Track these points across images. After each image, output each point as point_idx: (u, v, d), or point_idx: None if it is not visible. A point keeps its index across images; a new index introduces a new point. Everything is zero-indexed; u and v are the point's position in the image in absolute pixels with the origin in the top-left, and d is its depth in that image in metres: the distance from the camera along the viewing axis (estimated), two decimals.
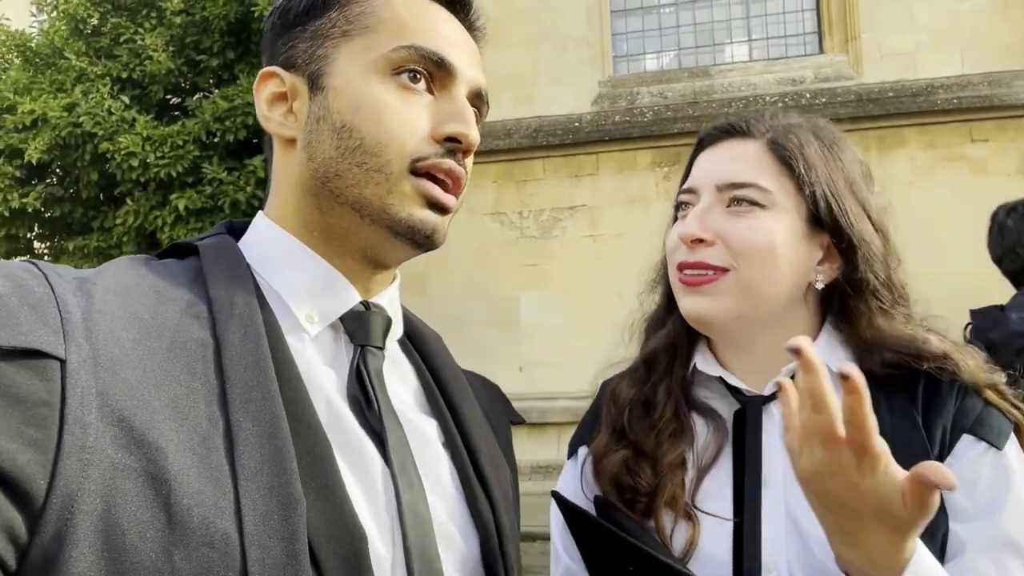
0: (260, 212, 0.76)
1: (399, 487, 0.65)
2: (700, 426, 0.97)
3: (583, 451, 1.04)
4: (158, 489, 0.52)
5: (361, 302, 0.74)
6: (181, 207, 8.91)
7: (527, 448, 7.41)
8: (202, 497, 0.53)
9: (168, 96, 10.31)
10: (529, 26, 7.75)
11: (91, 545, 0.50)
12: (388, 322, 0.76)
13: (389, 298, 0.78)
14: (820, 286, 0.96)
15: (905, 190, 6.86)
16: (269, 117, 0.73)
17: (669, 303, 1.04)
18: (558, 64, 7.74)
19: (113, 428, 0.53)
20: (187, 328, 0.61)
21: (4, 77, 9.79)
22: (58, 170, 10.03)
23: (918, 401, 0.88)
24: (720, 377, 0.97)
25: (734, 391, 0.96)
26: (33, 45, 10.04)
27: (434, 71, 0.71)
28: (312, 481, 0.59)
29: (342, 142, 0.69)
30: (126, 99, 9.23)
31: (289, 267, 0.71)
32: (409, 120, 0.69)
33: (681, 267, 0.96)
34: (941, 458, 0.84)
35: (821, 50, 7.50)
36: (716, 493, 0.92)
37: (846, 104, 6.96)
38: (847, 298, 0.94)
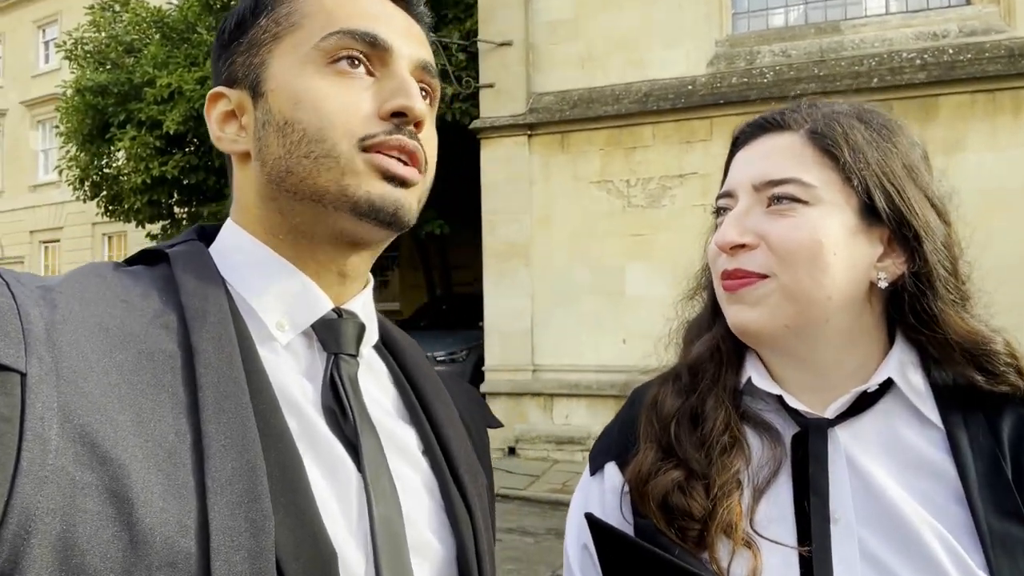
0: (229, 219, 0.75)
1: (371, 499, 0.64)
2: (754, 440, 0.86)
3: (611, 469, 0.94)
4: (120, 507, 0.51)
5: (333, 309, 0.72)
6: None
7: None
8: (166, 515, 0.52)
9: None
10: None
11: (48, 567, 0.49)
12: (361, 328, 0.74)
13: (362, 303, 0.76)
14: (884, 284, 0.84)
15: None
16: (222, 137, 0.73)
17: (715, 308, 0.94)
18: (672, 23, 7.42)
19: (75, 444, 0.51)
20: (155, 338, 0.59)
21: (144, 52, 10.50)
22: (194, 140, 10.72)
23: (1003, 434, 0.80)
24: (779, 396, 0.87)
25: (792, 412, 0.86)
26: (169, 21, 10.68)
27: (369, 52, 0.69)
28: (282, 496, 0.58)
29: (286, 138, 0.67)
30: None
31: (257, 274, 0.70)
32: (349, 102, 0.68)
33: (723, 276, 0.87)
34: None
35: (967, 1, 6.77)
36: (776, 517, 0.82)
37: (995, 60, 6.28)
38: (915, 295, 0.83)
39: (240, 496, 0.55)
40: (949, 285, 0.84)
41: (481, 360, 8.36)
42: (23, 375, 0.51)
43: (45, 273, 20.93)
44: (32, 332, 0.53)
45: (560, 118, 7.68)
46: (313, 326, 0.70)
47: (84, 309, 0.58)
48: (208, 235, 0.75)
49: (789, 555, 0.80)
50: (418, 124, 0.70)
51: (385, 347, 0.82)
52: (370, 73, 0.69)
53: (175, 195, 11.38)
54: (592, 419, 7.58)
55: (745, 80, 7.14)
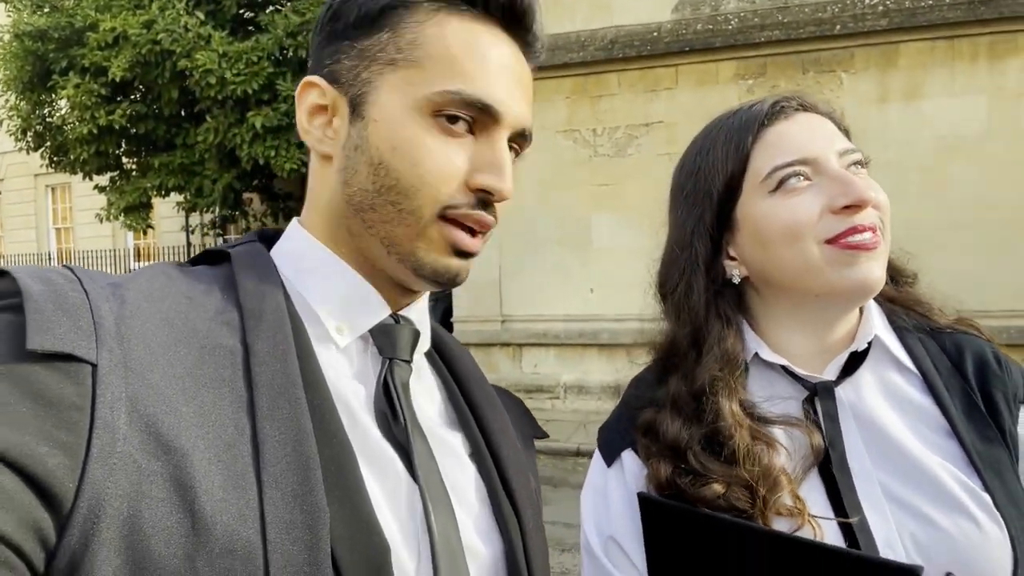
0: (295, 220, 0.77)
1: (427, 503, 0.66)
2: (782, 435, 0.89)
3: (629, 458, 0.94)
4: (183, 495, 0.53)
5: (391, 315, 0.74)
6: (258, 125, 9.03)
7: (597, 368, 7.46)
8: (226, 504, 0.54)
9: (241, 10, 10.31)
10: None
11: (116, 549, 0.51)
12: (416, 335, 0.75)
13: (419, 311, 0.78)
14: None
15: (1015, 103, 6.29)
16: (309, 130, 0.73)
17: (709, 312, 0.94)
18: None
19: (141, 433, 0.53)
20: (217, 335, 0.62)
21: None
22: (140, 87, 10.27)
23: (968, 373, 0.91)
24: (783, 367, 0.92)
25: (797, 379, 0.92)
26: None
27: (477, 115, 0.69)
28: (336, 490, 0.60)
29: (378, 179, 0.68)
30: (201, 15, 9.27)
31: (321, 278, 0.72)
32: (444, 165, 0.68)
33: (849, 233, 0.86)
34: (1013, 431, 0.87)
35: None
36: (809, 496, 0.86)
37: (954, 7, 6.35)
38: None
39: (295, 489, 0.57)
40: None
41: (449, 311, 8.36)
42: (94, 366, 0.54)
43: None
44: (103, 325, 0.56)
45: None
46: (370, 331, 0.72)
47: (151, 305, 0.60)
48: (269, 238, 0.77)
49: (832, 528, 0.84)
50: (499, 201, 0.71)
51: (438, 353, 0.83)
52: (471, 131, 0.69)
53: (123, 145, 10.95)
54: (560, 367, 7.69)
55: (710, 27, 7.10)
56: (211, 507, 0.53)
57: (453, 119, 0.68)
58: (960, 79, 6.48)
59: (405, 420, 0.68)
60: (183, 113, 10.46)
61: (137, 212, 11.32)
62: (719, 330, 0.93)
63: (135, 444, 0.53)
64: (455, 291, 8.07)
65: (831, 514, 0.84)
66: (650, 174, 7.11)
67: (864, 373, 0.92)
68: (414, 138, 0.67)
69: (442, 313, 8.98)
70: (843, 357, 0.91)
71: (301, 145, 9.24)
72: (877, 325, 0.93)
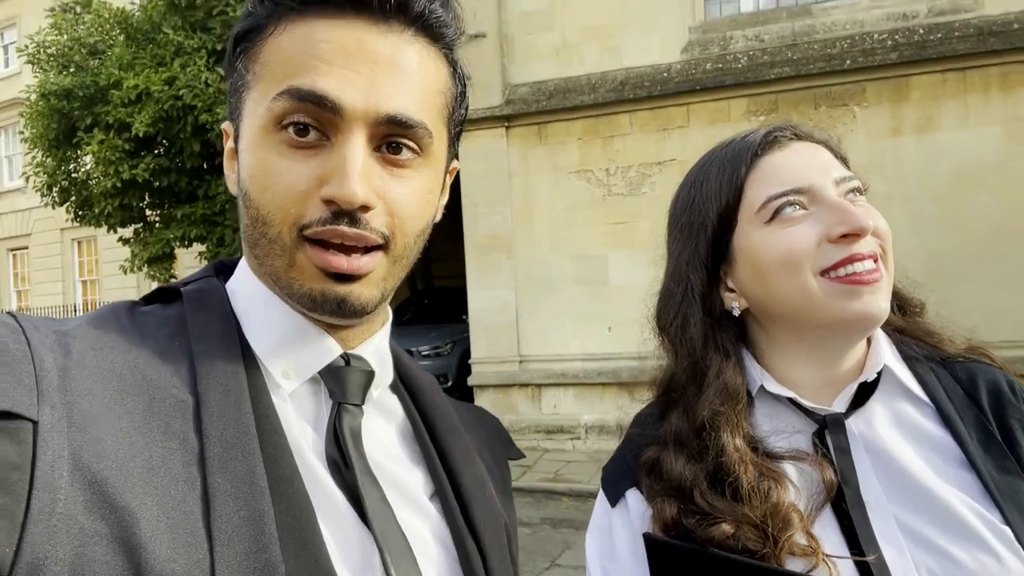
0: (242, 259, 0.71)
1: (384, 553, 0.62)
2: (792, 471, 0.86)
3: (633, 498, 0.91)
4: (129, 556, 0.50)
5: (342, 355, 0.69)
6: None
7: (618, 407, 7.36)
8: (174, 565, 0.51)
9: None
10: None
11: None
12: (369, 376, 0.71)
13: (375, 347, 0.73)
14: None
15: None
16: (227, 174, 0.70)
17: (707, 344, 0.92)
18: (645, 11, 7.43)
19: (84, 492, 0.51)
20: (167, 384, 0.58)
21: (109, 54, 10.28)
22: (163, 142, 10.53)
23: (982, 402, 0.89)
24: (790, 399, 0.89)
25: (805, 412, 0.89)
26: (134, 22, 10.47)
27: (320, 114, 0.60)
28: (292, 544, 0.57)
29: (248, 211, 0.64)
30: (221, 71, 9.54)
31: (264, 318, 0.67)
32: (293, 182, 0.61)
33: (846, 263, 0.85)
34: None
35: None
36: (822, 534, 0.83)
37: (964, 39, 6.38)
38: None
39: (248, 546, 0.54)
40: None
41: (467, 353, 8.34)
42: (35, 423, 0.51)
43: (14, 281, 20.42)
44: (45, 378, 0.53)
45: (537, 109, 7.67)
46: (320, 373, 0.68)
47: (98, 354, 0.57)
48: (227, 269, 0.73)
49: (850, 567, 0.80)
50: (364, 207, 0.61)
51: (402, 385, 0.79)
52: (326, 136, 0.61)
53: (146, 198, 11.18)
54: (580, 407, 7.61)
55: (719, 66, 7.18)
56: (159, 568, 0.50)
57: (301, 130, 0.61)
58: (973, 110, 6.47)
59: (355, 468, 0.64)
60: (204, 165, 10.68)
61: (160, 263, 11.48)
62: (718, 363, 0.91)
63: (78, 504, 0.50)
64: (472, 333, 8.06)
65: (846, 552, 0.81)
66: (664, 211, 7.09)
67: (875, 404, 0.89)
68: (264, 160, 0.62)
69: (459, 357, 8.96)
70: (852, 388, 0.89)
71: None
72: (886, 355, 0.90)
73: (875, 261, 0.85)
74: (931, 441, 0.87)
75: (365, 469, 0.66)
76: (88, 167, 11.14)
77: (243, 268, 0.70)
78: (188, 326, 0.63)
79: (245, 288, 0.69)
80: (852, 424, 0.88)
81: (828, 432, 0.87)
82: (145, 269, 11.56)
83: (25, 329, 0.56)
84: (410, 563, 0.64)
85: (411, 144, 0.64)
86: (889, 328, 0.94)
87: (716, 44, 7.37)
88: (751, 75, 6.97)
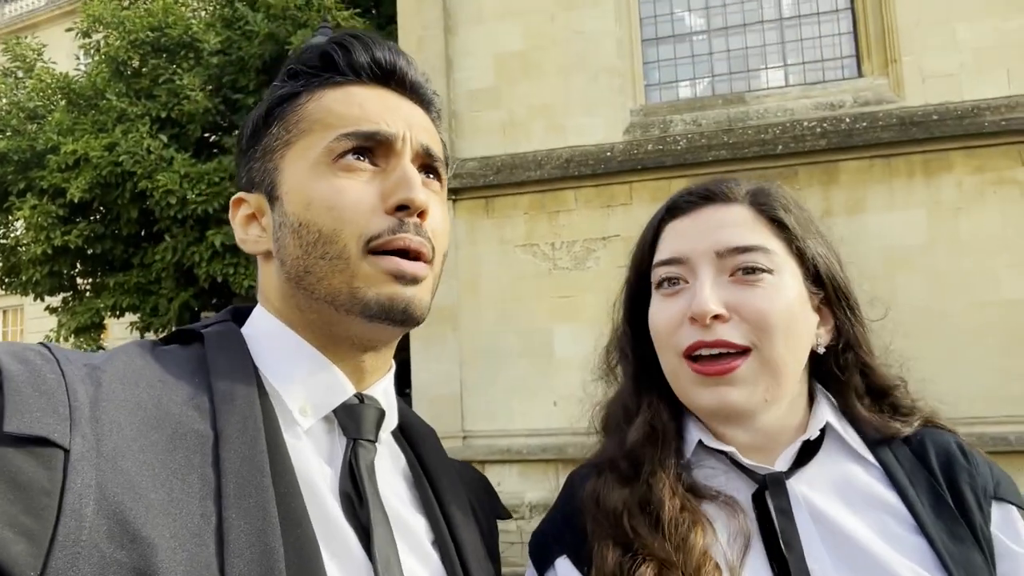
0: (259, 304, 0.78)
1: None
2: (714, 512, 0.83)
3: (564, 564, 0.86)
4: None
5: (355, 394, 0.73)
6: (217, 243, 9.03)
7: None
8: None
9: (206, 134, 10.54)
10: (559, 56, 7.73)
11: None
12: (381, 414, 0.75)
13: (384, 389, 0.77)
14: (822, 350, 0.88)
15: (953, 216, 6.61)
16: (246, 239, 0.76)
17: (637, 387, 0.92)
18: (589, 93, 7.69)
19: (108, 521, 0.53)
20: (188, 420, 0.62)
21: (49, 119, 10.09)
22: (100, 208, 10.27)
23: (932, 465, 0.85)
24: (727, 454, 0.86)
25: (745, 471, 0.85)
26: (76, 87, 10.34)
27: (374, 147, 0.72)
28: None
29: (302, 239, 0.70)
30: (164, 138, 9.44)
31: (283, 359, 0.72)
32: (357, 199, 0.70)
33: (694, 348, 0.82)
34: (985, 529, 0.80)
35: (860, 74, 7.33)
36: None
37: (888, 128, 6.77)
38: (846, 351, 0.89)
39: None
40: (865, 338, 0.91)
41: None
42: (67, 451, 0.54)
43: None
44: (78, 409, 0.56)
45: (484, 183, 7.76)
46: (335, 411, 0.72)
47: (125, 389, 0.61)
48: (242, 315, 0.78)
49: None
50: (422, 214, 0.71)
51: (403, 433, 0.82)
52: (375, 164, 0.72)
53: (78, 265, 10.81)
54: (524, 485, 7.43)
55: (660, 147, 7.43)
56: None
57: (356, 157, 0.71)
58: (899, 194, 6.80)
59: (368, 504, 0.67)
60: (141, 233, 10.43)
61: (88, 333, 11.03)
62: (649, 401, 0.90)
63: (101, 533, 0.52)
64: (415, 407, 7.86)
65: None
66: (609, 286, 7.17)
67: (818, 464, 0.85)
68: (322, 187, 0.70)
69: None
70: (794, 447, 0.85)
71: None
72: (827, 413, 0.87)
73: (736, 350, 0.81)
74: (880, 504, 0.83)
75: (378, 505, 0.69)
76: (18, 233, 10.75)
77: (262, 313, 0.76)
78: (208, 364, 0.67)
79: (266, 330, 0.74)
80: (794, 485, 0.84)
81: (768, 493, 0.83)
82: (71, 340, 11.06)
83: (59, 360, 0.59)
84: None
85: (440, 172, 0.78)
86: (849, 415, 0.90)
87: (656, 127, 7.64)
88: (690, 157, 7.23)
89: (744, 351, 0.81)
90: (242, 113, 10.10)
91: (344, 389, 0.72)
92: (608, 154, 7.51)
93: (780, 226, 0.86)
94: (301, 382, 0.71)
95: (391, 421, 0.78)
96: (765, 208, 0.87)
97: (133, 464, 0.56)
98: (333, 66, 0.75)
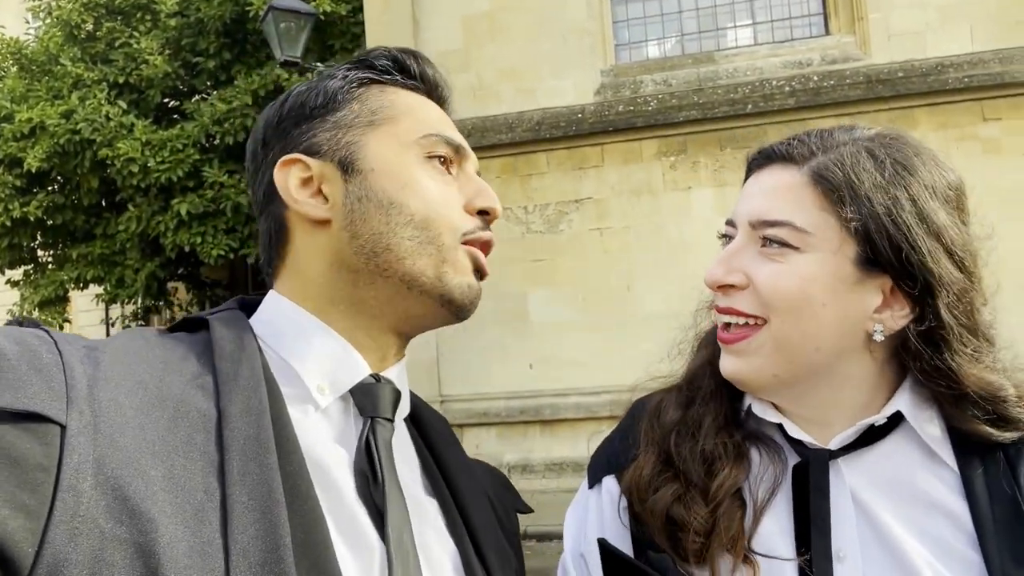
0: (271, 291, 0.79)
1: (392, 563, 0.64)
2: (755, 454, 0.85)
3: (609, 482, 0.92)
4: (146, 562, 0.52)
5: (371, 375, 0.74)
6: (183, 212, 8.84)
7: (540, 446, 7.34)
8: (190, 572, 0.53)
9: (166, 100, 10.24)
10: (528, 17, 7.63)
11: None
12: (398, 394, 0.76)
13: (398, 372, 0.79)
14: (879, 338, 0.80)
15: None
16: (299, 200, 0.76)
17: (709, 337, 0.94)
18: (558, 54, 7.62)
19: (107, 497, 0.53)
20: (191, 398, 0.62)
21: (1, 86, 9.73)
22: (58, 178, 9.98)
23: (1021, 478, 0.77)
24: (779, 425, 0.85)
25: (794, 442, 0.84)
26: (28, 52, 9.96)
27: (452, 156, 0.79)
28: (305, 559, 0.59)
29: (391, 217, 0.73)
30: (123, 104, 9.15)
31: (302, 340, 0.73)
32: (448, 199, 0.76)
33: (717, 311, 0.86)
34: None
35: (827, 32, 7.37)
36: (777, 538, 0.80)
37: (855, 86, 6.83)
38: (925, 350, 0.79)
39: (263, 557, 0.56)
40: (965, 338, 0.79)
41: None
42: (63, 427, 0.54)
43: None
44: (75, 387, 0.56)
45: None
46: (351, 390, 0.72)
47: (125, 368, 0.61)
48: (249, 305, 0.79)
49: (789, 569, 0.78)
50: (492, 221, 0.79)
51: (413, 421, 0.83)
52: (448, 172, 0.78)
53: (38, 237, 10.53)
54: (503, 446, 7.53)
55: (631, 108, 7.42)
56: (175, 575, 0.52)
57: (441, 161, 0.77)
58: None
59: (384, 481, 0.67)
60: (103, 203, 10.17)
61: (53, 306, 10.80)
62: (712, 351, 0.92)
63: (100, 508, 0.52)
64: None
65: (793, 554, 0.78)
66: (582, 248, 7.23)
67: (877, 452, 0.81)
68: (418, 176, 0.75)
69: None
70: (854, 429, 0.81)
71: (229, 231, 9.07)
72: (903, 402, 0.81)
73: (738, 316, 0.81)
74: (941, 509, 0.78)
75: (393, 482, 0.69)
76: None
77: (275, 297, 0.77)
78: (213, 347, 0.67)
79: (279, 311, 0.75)
80: (843, 466, 0.81)
81: (810, 468, 0.81)
82: (36, 313, 10.82)
83: (57, 341, 0.59)
84: (414, 572, 0.66)
85: None
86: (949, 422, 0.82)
87: (627, 87, 7.62)
88: (660, 117, 7.24)
89: (760, 321, 0.80)
90: (202, 77, 9.83)
91: (361, 368, 0.74)
92: (579, 116, 7.49)
93: (833, 199, 0.78)
94: (319, 360, 0.72)
95: (405, 405, 0.79)
96: (821, 179, 0.79)
97: (133, 441, 0.56)
98: (406, 70, 0.81)
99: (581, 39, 7.62)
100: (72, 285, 10.55)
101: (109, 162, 8.91)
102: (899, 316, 0.80)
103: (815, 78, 7.04)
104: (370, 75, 0.80)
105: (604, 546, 0.83)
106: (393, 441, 0.73)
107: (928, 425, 0.82)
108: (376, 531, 0.66)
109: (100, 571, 0.51)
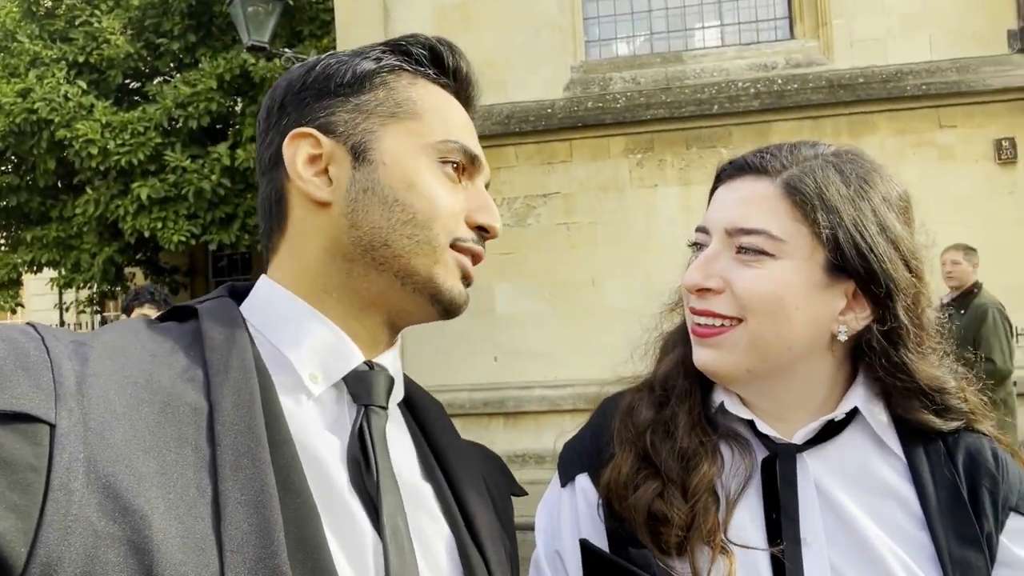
0: (264, 276, 0.77)
1: (388, 554, 0.64)
2: (726, 451, 0.90)
3: (583, 480, 0.95)
4: (140, 559, 0.52)
5: (365, 362, 0.74)
6: (143, 196, 8.66)
7: (503, 438, 7.38)
8: (185, 568, 0.53)
9: (127, 81, 10.01)
10: (500, 9, 7.63)
11: None
12: (391, 381, 0.76)
13: (391, 359, 0.79)
14: (843, 338, 0.87)
15: None
16: (304, 177, 0.74)
17: (686, 328, 0.98)
18: (530, 48, 7.64)
19: (98, 495, 0.53)
20: (181, 392, 0.61)
21: None
22: (13, 158, 9.70)
23: (959, 464, 0.86)
24: (750, 421, 0.91)
25: (762, 437, 0.90)
26: None
27: (467, 164, 0.78)
28: (298, 552, 0.59)
29: (393, 215, 0.72)
30: (83, 84, 8.93)
31: (296, 327, 0.72)
32: (453, 203, 0.76)
33: (692, 312, 0.91)
34: (994, 536, 0.83)
35: (792, 35, 7.51)
36: (749, 529, 0.86)
37: (817, 90, 6.98)
38: (884, 348, 0.87)
39: (257, 552, 0.56)
40: (918, 337, 0.87)
41: None
42: (52, 426, 0.53)
43: None
44: (63, 384, 0.55)
45: None
46: (345, 378, 0.72)
47: (114, 363, 0.60)
48: (239, 293, 0.78)
49: (763, 567, 0.83)
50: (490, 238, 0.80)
51: (408, 407, 0.83)
52: (459, 179, 0.78)
53: None
54: (465, 437, 7.56)
55: (600, 105, 7.47)
56: (169, 572, 0.52)
57: (454, 167, 0.76)
58: None
59: (378, 470, 0.67)
60: (60, 184, 9.91)
61: (5, 290, 10.51)
62: (688, 343, 0.95)
63: (92, 506, 0.52)
64: None
65: (763, 543, 0.84)
66: (549, 243, 7.27)
67: (835, 445, 0.88)
68: (427, 178, 0.74)
69: None
70: (816, 424, 0.88)
71: (191, 216, 8.92)
72: (858, 398, 0.89)
73: (723, 321, 0.86)
74: (892, 494, 0.85)
75: (388, 472, 0.69)
76: None
77: (268, 283, 0.76)
78: (203, 338, 0.67)
79: (271, 298, 0.74)
80: (807, 459, 0.87)
81: (778, 461, 0.87)
82: None
83: (45, 338, 0.59)
84: (411, 563, 0.66)
85: None
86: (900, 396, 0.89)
87: (596, 84, 7.67)
88: (629, 115, 7.30)
89: (736, 321, 0.86)
90: (166, 59, 9.63)
91: (354, 355, 0.73)
92: (549, 111, 7.52)
93: (804, 211, 0.84)
94: (312, 348, 0.71)
95: (398, 391, 0.79)
96: (793, 191, 0.85)
97: (123, 437, 0.56)
98: (440, 64, 0.80)
99: (553, 34, 7.65)
100: (25, 268, 10.28)
101: (67, 143, 8.70)
102: (861, 318, 0.87)
103: (779, 81, 7.17)
104: (403, 63, 0.78)
105: (586, 546, 0.86)
106: (387, 427, 0.73)
107: (878, 418, 0.89)
108: (370, 521, 0.66)
109: (94, 569, 0.51)
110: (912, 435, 0.88)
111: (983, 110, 6.75)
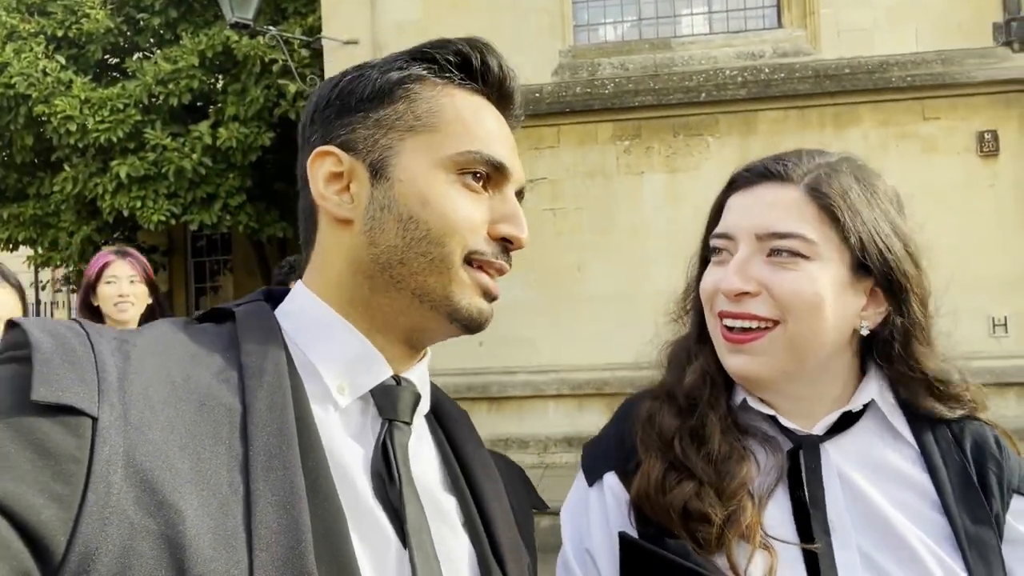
0: (300, 282, 0.78)
1: (416, 566, 0.66)
2: (757, 450, 0.93)
3: (611, 479, 0.97)
4: (173, 553, 0.53)
5: (392, 376, 0.75)
6: (122, 174, 8.53)
7: (487, 422, 7.41)
8: (215, 564, 0.54)
9: (107, 56, 9.82)
10: None
11: None
12: (417, 397, 0.76)
13: (419, 373, 0.79)
14: (865, 332, 0.92)
15: None
16: (325, 196, 0.74)
17: (700, 334, 0.99)
18: (518, 31, 7.59)
19: (136, 488, 0.54)
20: (217, 392, 0.63)
21: None
22: None
23: (966, 450, 0.91)
24: (772, 416, 0.94)
25: (785, 430, 0.93)
26: None
27: (492, 173, 0.75)
28: (325, 555, 0.60)
29: (408, 233, 0.72)
30: (62, 59, 8.75)
31: (325, 339, 0.73)
32: (471, 216, 0.73)
33: (723, 316, 0.92)
34: (1001, 516, 0.88)
35: (780, 24, 7.52)
36: (779, 523, 0.89)
37: (804, 80, 7.01)
38: (892, 339, 0.92)
39: (285, 551, 0.57)
40: (923, 330, 0.93)
41: None
42: (95, 420, 0.55)
43: None
44: (106, 379, 0.57)
45: None
46: (372, 392, 0.73)
47: (154, 360, 0.62)
48: (275, 297, 0.79)
49: (796, 557, 0.86)
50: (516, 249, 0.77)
51: (435, 417, 0.83)
52: (485, 188, 0.75)
53: None
54: None
55: (588, 91, 7.46)
56: (200, 567, 0.53)
57: (474, 177, 0.74)
58: (810, 145, 7.03)
59: (401, 483, 0.68)
60: (37, 161, 9.73)
61: None
62: (706, 351, 0.97)
63: (129, 499, 0.54)
64: None
65: (794, 538, 0.86)
66: (536, 228, 7.24)
67: (854, 435, 0.93)
68: (442, 193, 0.72)
69: None
70: (834, 416, 0.92)
71: (171, 196, 8.80)
72: (873, 390, 0.93)
73: (751, 320, 0.89)
74: (908, 481, 0.90)
75: (410, 484, 0.70)
76: None
77: (303, 291, 0.76)
78: (239, 341, 0.68)
79: (304, 307, 0.75)
80: (829, 449, 0.91)
81: (802, 453, 0.91)
82: None
83: (90, 334, 0.60)
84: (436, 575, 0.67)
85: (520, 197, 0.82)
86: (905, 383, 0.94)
87: (585, 69, 7.65)
88: (616, 101, 7.30)
89: (772, 324, 0.88)
90: (146, 35, 9.45)
91: (382, 370, 0.73)
92: (537, 95, 7.49)
93: (831, 214, 0.88)
94: (340, 361, 0.72)
95: (425, 404, 0.79)
96: (819, 196, 0.89)
97: (161, 434, 0.57)
98: (468, 68, 0.77)
99: (541, 17, 7.60)
100: (2, 246, 10.10)
101: (45, 119, 8.53)
102: (878, 313, 0.92)
103: (766, 70, 7.19)
104: (428, 71, 0.76)
105: (625, 538, 0.88)
106: (412, 437, 0.74)
107: (890, 408, 0.94)
108: (394, 533, 0.67)
109: (129, 561, 0.52)
110: (920, 424, 0.93)
111: (967, 102, 6.82)
